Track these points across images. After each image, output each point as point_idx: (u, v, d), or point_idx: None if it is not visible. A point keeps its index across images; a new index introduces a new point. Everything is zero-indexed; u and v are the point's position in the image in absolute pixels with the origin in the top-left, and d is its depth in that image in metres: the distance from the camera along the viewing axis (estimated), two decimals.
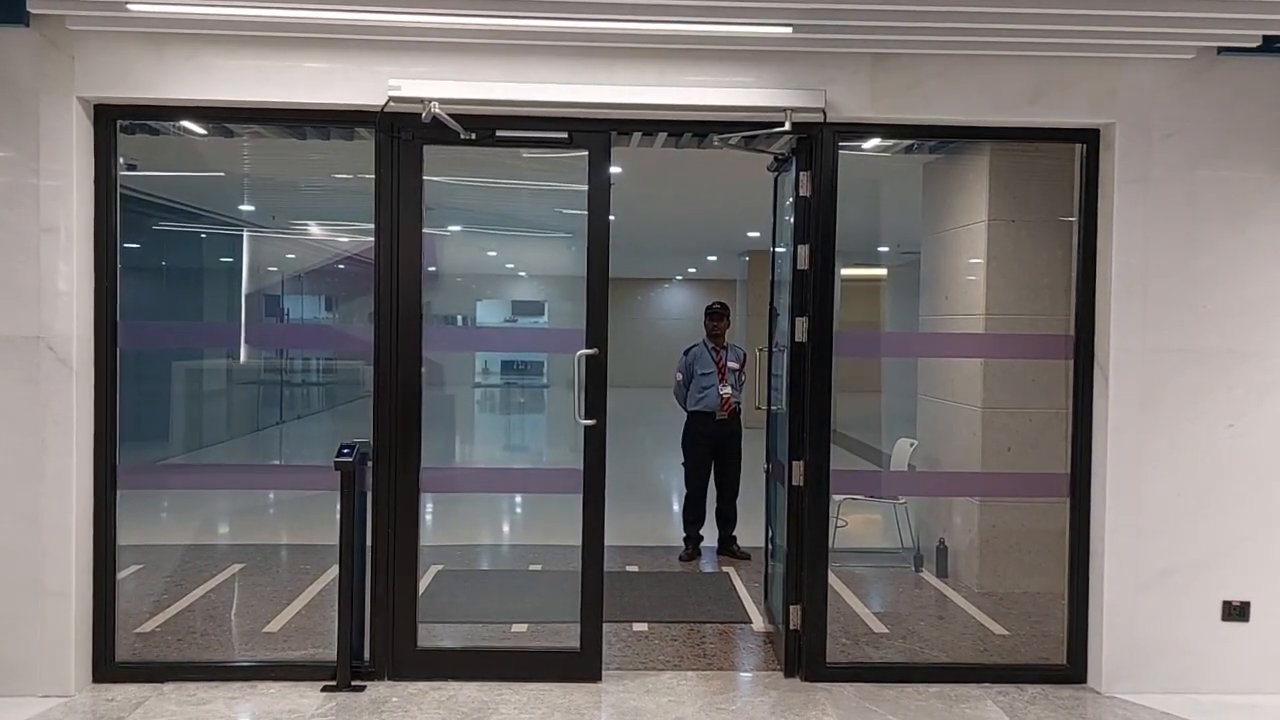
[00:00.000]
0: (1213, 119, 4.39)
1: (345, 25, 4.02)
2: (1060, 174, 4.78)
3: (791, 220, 4.66)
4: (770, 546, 5.44)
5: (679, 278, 24.73)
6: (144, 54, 4.17)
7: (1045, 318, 5.32)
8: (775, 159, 5.06)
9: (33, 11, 3.97)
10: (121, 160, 4.40)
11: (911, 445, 6.76)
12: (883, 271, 12.91)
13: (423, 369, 4.49)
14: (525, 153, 5.21)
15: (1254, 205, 4.42)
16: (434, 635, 4.91)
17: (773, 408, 5.27)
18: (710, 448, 7.14)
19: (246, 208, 10.09)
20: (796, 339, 4.57)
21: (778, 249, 5.36)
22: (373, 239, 4.44)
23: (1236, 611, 4.45)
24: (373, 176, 4.42)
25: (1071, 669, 4.60)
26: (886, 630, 5.33)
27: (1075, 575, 4.60)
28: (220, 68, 4.20)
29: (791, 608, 4.58)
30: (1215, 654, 4.46)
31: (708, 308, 7.28)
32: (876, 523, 7.51)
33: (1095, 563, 4.53)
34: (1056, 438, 4.87)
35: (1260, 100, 4.39)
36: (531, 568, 6.70)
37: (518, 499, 8.68)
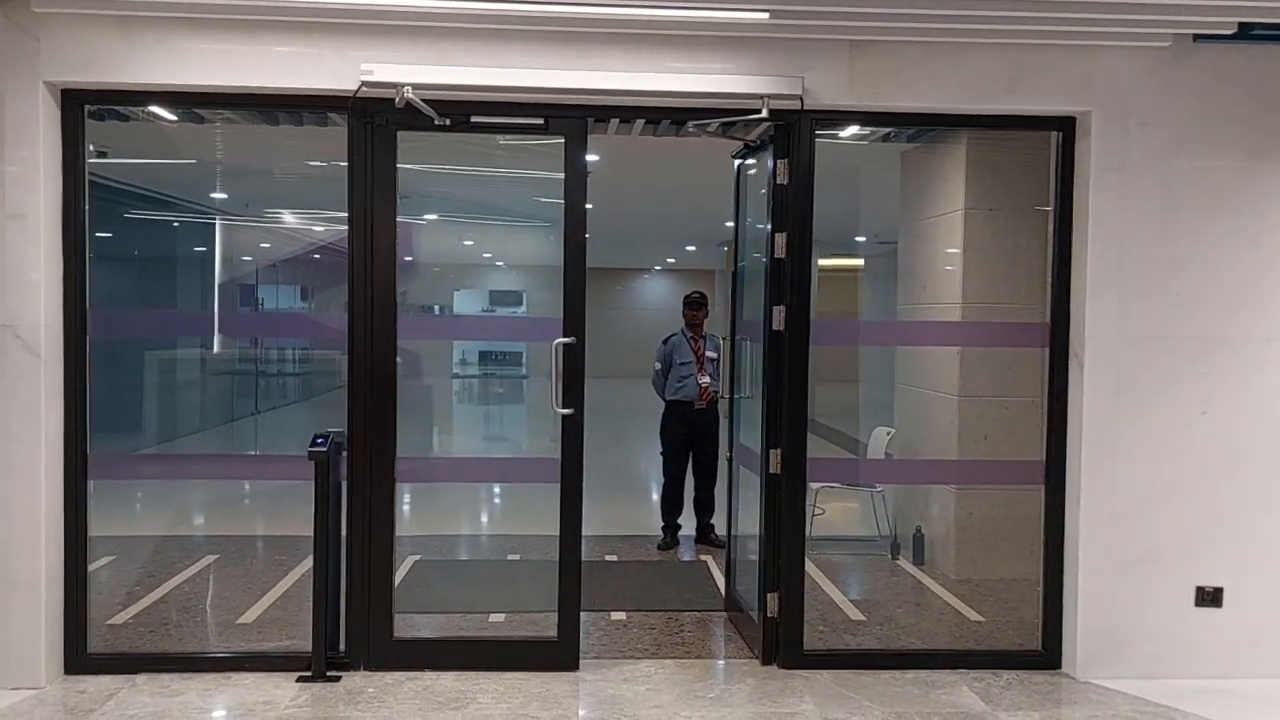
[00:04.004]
0: (1189, 107, 4.40)
1: (317, 9, 3.98)
2: (1037, 163, 4.78)
3: (765, 208, 4.64)
4: (731, 534, 5.46)
5: (658, 268, 24.71)
6: (112, 37, 4.10)
7: (1022, 306, 5.32)
8: (746, 145, 5.03)
9: None
10: (91, 147, 4.33)
11: (889, 433, 6.78)
12: (860, 261, 12.92)
13: (398, 359, 4.46)
14: (501, 139, 5.17)
15: (1229, 193, 4.44)
16: (411, 625, 4.88)
17: (735, 395, 5.28)
18: (688, 437, 7.14)
19: (219, 195, 9.99)
20: (774, 327, 4.56)
21: (743, 233, 5.33)
22: (346, 227, 4.39)
23: (1209, 597, 4.49)
24: (346, 163, 4.37)
25: (1046, 655, 4.62)
26: (864, 617, 5.35)
27: (1050, 562, 4.62)
28: (190, 51, 4.13)
29: (769, 595, 4.59)
30: (1189, 639, 4.50)
31: (686, 297, 7.27)
32: (854, 510, 7.53)
33: (1070, 549, 4.56)
34: (1032, 425, 4.89)
35: (1236, 88, 4.41)
36: (509, 557, 6.68)
37: (496, 489, 8.64)
